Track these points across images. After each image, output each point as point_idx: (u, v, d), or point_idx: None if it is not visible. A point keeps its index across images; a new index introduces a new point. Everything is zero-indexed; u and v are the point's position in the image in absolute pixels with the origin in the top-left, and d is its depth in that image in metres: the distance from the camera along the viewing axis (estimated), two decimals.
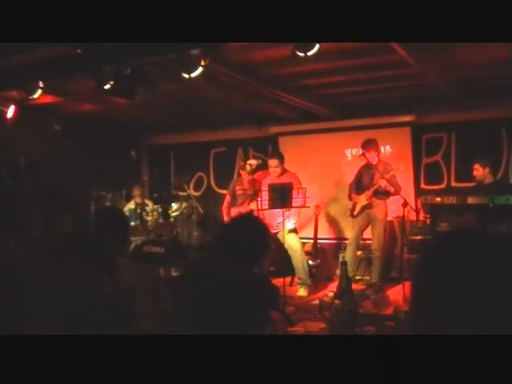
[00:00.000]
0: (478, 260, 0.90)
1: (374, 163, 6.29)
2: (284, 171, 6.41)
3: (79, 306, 1.50)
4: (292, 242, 6.16)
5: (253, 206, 6.66)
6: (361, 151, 6.52)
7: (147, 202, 8.06)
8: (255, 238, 2.45)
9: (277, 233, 6.22)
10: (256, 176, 6.43)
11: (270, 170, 6.43)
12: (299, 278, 6.27)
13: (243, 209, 6.66)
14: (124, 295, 1.83)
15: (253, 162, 6.44)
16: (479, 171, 5.81)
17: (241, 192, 7.01)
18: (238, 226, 2.55)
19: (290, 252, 6.21)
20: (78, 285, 1.52)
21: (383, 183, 6.08)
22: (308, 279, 6.30)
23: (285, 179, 6.21)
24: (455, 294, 0.89)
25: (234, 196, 7.08)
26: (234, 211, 6.79)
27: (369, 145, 6.31)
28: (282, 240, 6.24)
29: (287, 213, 6.06)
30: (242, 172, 6.99)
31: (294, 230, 6.28)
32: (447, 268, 0.92)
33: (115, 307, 1.63)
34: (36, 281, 1.55)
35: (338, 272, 5.90)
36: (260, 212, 5.87)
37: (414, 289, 0.98)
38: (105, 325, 1.51)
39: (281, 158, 6.42)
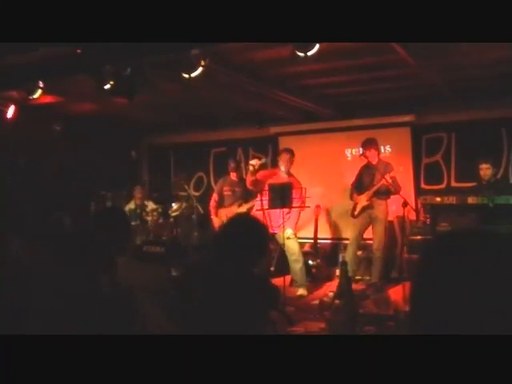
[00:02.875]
0: (478, 260, 0.90)
1: (374, 163, 6.27)
2: (290, 173, 6.33)
3: (78, 306, 1.50)
4: (290, 245, 6.11)
5: (243, 208, 6.62)
6: (361, 151, 6.51)
7: (147, 202, 8.07)
8: (253, 238, 2.45)
9: (276, 233, 6.18)
10: (259, 176, 6.31)
11: (281, 162, 6.30)
12: (295, 281, 6.24)
13: (232, 210, 6.62)
14: (123, 294, 1.83)
15: (255, 162, 6.32)
16: (489, 170, 5.73)
17: (229, 193, 6.95)
18: (237, 226, 2.54)
19: (287, 254, 6.18)
20: (76, 284, 1.52)
21: (388, 180, 6.03)
22: (305, 281, 6.27)
23: (286, 180, 6.17)
24: (455, 293, 0.89)
25: (221, 196, 7.02)
26: (222, 212, 6.76)
27: (369, 144, 6.29)
28: (280, 241, 6.22)
29: (288, 215, 6.04)
30: (233, 173, 6.97)
31: (294, 234, 6.25)
32: (447, 268, 0.92)
33: (114, 306, 1.63)
34: (35, 280, 1.55)
35: (338, 272, 5.89)
36: (261, 212, 5.84)
37: (414, 289, 0.98)
38: (104, 324, 1.51)
39: (292, 154, 6.32)
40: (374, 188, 6.19)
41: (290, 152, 6.33)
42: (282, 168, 6.24)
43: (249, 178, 6.29)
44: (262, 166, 6.48)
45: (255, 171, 6.16)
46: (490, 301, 0.86)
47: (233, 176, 7.02)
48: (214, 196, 7.10)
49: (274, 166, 6.59)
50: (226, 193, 6.97)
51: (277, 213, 6.09)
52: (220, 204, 7.00)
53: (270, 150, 8.48)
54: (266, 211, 5.85)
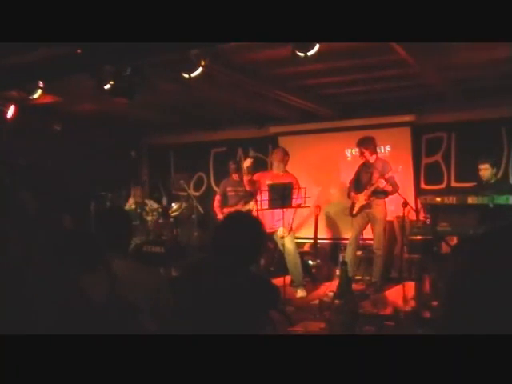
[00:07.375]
0: None
1: (372, 161, 6.26)
2: (285, 171, 6.40)
3: (69, 305, 1.50)
4: (286, 243, 6.13)
5: (248, 207, 6.66)
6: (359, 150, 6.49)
7: (148, 202, 8.06)
8: (249, 236, 2.44)
9: (272, 233, 6.19)
10: (255, 177, 6.36)
11: (274, 164, 6.40)
12: (292, 281, 6.24)
13: (237, 209, 6.64)
14: (120, 294, 1.83)
15: (248, 162, 6.37)
16: (488, 171, 5.74)
17: (233, 193, 7.02)
18: (231, 224, 2.53)
19: (284, 253, 6.19)
20: (68, 285, 1.52)
21: (382, 184, 6.05)
22: (303, 280, 6.27)
23: (285, 179, 6.19)
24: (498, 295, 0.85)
25: (225, 196, 7.10)
26: (227, 212, 6.78)
27: (363, 143, 6.28)
28: (277, 240, 6.23)
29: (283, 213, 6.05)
30: (234, 174, 7.02)
31: (289, 233, 6.26)
32: (494, 269, 0.88)
33: (110, 306, 1.63)
34: (33, 281, 1.55)
35: (338, 272, 5.88)
36: (259, 211, 5.87)
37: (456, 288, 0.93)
38: (97, 325, 1.51)
39: (286, 153, 6.42)
40: (372, 187, 6.18)
41: (283, 150, 6.49)
42: (276, 165, 6.30)
43: (245, 178, 6.36)
44: (257, 165, 6.56)
45: (249, 171, 6.22)
46: None
47: (234, 177, 7.09)
48: (217, 197, 7.16)
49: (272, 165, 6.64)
50: (229, 193, 7.07)
51: (274, 212, 6.10)
52: (224, 204, 7.05)
53: (269, 150, 8.47)
54: (263, 210, 5.88)
